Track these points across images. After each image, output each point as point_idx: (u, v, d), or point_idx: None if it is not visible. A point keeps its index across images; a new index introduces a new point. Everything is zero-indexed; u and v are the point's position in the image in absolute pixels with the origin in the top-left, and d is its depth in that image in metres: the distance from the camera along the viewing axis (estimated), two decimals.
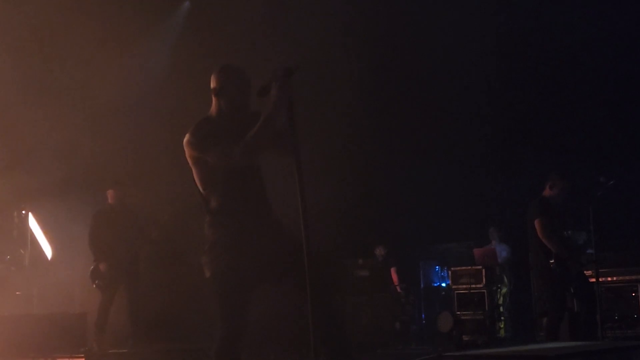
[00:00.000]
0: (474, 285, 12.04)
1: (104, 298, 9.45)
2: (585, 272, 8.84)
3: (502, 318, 12.26)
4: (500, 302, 12.27)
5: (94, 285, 9.43)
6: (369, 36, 13.06)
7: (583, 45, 12.14)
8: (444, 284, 13.81)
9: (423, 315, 14.09)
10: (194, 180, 4.77)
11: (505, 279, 12.55)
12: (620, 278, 10.54)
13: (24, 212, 11.25)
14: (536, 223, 8.48)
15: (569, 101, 12.80)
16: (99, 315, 9.44)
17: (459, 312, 12.05)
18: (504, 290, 12.43)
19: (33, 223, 11.34)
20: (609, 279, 10.48)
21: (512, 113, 13.23)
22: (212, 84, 4.76)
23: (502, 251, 12.88)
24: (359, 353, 11.21)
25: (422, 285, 14.21)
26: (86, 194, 10.64)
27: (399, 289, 13.25)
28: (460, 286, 12.22)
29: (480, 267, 12.13)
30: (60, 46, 11.36)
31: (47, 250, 11.67)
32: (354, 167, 13.34)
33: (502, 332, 12.18)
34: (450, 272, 12.55)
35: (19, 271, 11.35)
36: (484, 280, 12.01)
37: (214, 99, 4.76)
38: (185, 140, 4.62)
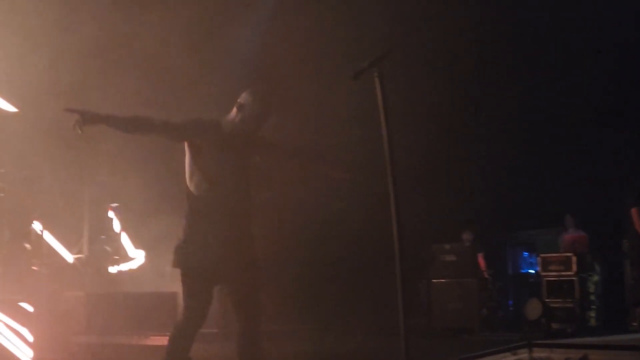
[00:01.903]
0: (563, 273, 11.83)
1: None
2: None
3: (593, 307, 12.01)
4: (591, 290, 12.02)
5: None
6: (459, 23, 12.88)
7: None
8: (532, 271, 13.62)
9: (510, 302, 13.93)
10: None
11: (597, 267, 12.28)
12: None
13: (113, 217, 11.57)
14: (633, 212, 8.25)
15: None
16: None
17: (547, 300, 11.87)
18: (595, 278, 12.16)
19: (125, 239, 11.68)
20: None
21: (600, 100, 12.90)
22: (240, 98, 5.12)
23: None
24: (445, 338, 11.18)
25: (509, 272, 14.04)
26: (175, 179, 10.81)
27: (486, 275, 13.13)
28: (549, 273, 12.02)
29: (570, 254, 11.91)
30: (142, 28, 11.53)
31: (137, 255, 12.01)
32: (441, 153, 13.24)
33: (592, 321, 11.94)
34: (539, 259, 12.36)
35: (114, 251, 11.70)
36: (574, 267, 11.78)
37: (235, 108, 5.12)
38: None
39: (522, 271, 13.97)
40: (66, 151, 10.57)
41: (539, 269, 12.41)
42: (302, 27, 11.89)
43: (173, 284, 10.88)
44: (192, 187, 5.10)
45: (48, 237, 11.19)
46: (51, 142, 10.34)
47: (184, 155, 5.18)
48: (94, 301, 9.58)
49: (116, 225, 11.95)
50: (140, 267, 12.13)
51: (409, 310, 4.39)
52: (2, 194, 10.71)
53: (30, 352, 8.24)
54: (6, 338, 8.07)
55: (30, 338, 8.27)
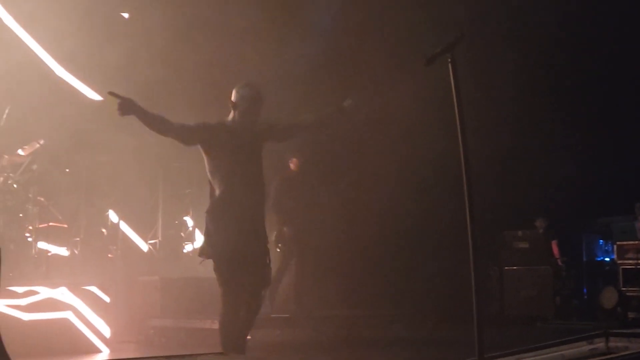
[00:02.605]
0: None
1: (282, 263, 9.71)
2: None
3: None
4: None
5: (277, 249, 9.72)
6: (536, 5, 12.63)
7: None
8: (607, 259, 13.36)
9: (585, 290, 13.70)
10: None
11: None
12: None
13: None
14: None
15: None
16: (274, 279, 9.72)
17: (624, 288, 11.65)
18: None
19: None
20: None
21: None
22: (231, 98, 5.55)
23: None
24: (518, 326, 11.07)
25: (584, 259, 13.80)
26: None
27: (560, 262, 12.93)
28: (626, 261, 11.79)
29: None
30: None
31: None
32: (515, 139, 13.05)
33: None
34: (615, 247, 12.11)
35: (187, 236, 11.87)
36: None
37: (231, 110, 5.55)
38: None
39: (598, 259, 13.71)
40: (143, 136, 10.75)
41: (615, 256, 12.18)
42: (375, 8, 11.82)
43: None
44: (214, 185, 5.53)
45: (124, 226, 11.44)
46: (129, 128, 10.52)
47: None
48: (168, 285, 9.72)
49: (188, 216, 12.11)
50: None
51: (481, 297, 4.35)
52: (79, 180, 10.99)
53: (107, 334, 8.44)
54: (82, 322, 8.27)
55: (106, 322, 8.47)
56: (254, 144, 5.59)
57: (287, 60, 11.62)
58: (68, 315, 8.14)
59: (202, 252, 5.62)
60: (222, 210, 5.49)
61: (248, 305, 5.57)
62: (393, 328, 10.42)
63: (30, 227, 9.43)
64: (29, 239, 9.46)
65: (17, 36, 10.99)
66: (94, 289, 8.47)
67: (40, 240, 9.57)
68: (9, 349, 4.16)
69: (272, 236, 9.75)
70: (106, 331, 8.43)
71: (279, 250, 9.67)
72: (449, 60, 4.36)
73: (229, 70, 11.36)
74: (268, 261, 5.63)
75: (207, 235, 5.58)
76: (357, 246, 11.98)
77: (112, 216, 11.42)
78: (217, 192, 5.50)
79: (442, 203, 11.41)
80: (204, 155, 5.56)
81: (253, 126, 5.53)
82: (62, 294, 8.19)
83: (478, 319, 4.29)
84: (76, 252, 10.78)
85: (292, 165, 9.86)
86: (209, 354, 5.43)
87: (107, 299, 8.53)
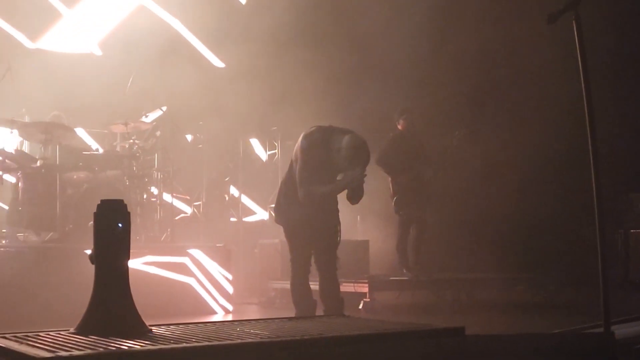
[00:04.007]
0: None
1: (402, 228, 9.77)
2: None
3: None
4: None
5: (397, 214, 9.77)
6: None
7: None
8: None
9: None
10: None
11: None
12: None
13: None
14: None
15: None
16: (398, 242, 9.79)
17: None
18: None
19: None
20: None
21: None
22: (340, 144, 5.90)
23: None
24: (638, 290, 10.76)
25: None
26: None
27: None
28: None
29: None
30: None
31: None
32: None
33: None
34: None
35: None
36: None
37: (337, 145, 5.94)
38: (304, 133, 6.06)
39: None
40: (263, 104, 10.94)
41: None
42: None
43: (365, 232, 11.09)
44: (294, 164, 6.04)
45: (245, 199, 11.72)
46: (250, 97, 10.73)
47: None
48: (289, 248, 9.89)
49: None
50: None
51: (606, 261, 4.26)
52: (200, 145, 11.28)
53: (229, 307, 8.62)
54: (203, 288, 8.47)
55: (230, 285, 8.69)
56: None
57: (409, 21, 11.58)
58: (191, 281, 8.36)
59: (275, 219, 6.41)
60: (292, 187, 6.04)
61: (320, 267, 6.12)
62: (515, 291, 10.30)
63: (156, 192, 9.74)
64: (155, 203, 9.79)
65: (141, 4, 11.37)
66: (215, 265, 8.63)
67: (164, 204, 9.89)
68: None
69: (392, 202, 9.81)
70: (228, 306, 8.58)
71: (398, 215, 9.70)
72: (574, 18, 4.25)
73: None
74: (338, 232, 6.12)
75: (277, 205, 6.30)
76: (477, 209, 11.86)
77: (233, 190, 11.72)
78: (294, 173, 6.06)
79: (567, 165, 11.15)
80: (296, 149, 6.06)
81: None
82: (187, 259, 8.41)
83: (604, 284, 4.20)
84: (198, 214, 11.09)
85: (399, 126, 9.92)
86: (331, 315, 5.49)
87: (229, 275, 8.68)
